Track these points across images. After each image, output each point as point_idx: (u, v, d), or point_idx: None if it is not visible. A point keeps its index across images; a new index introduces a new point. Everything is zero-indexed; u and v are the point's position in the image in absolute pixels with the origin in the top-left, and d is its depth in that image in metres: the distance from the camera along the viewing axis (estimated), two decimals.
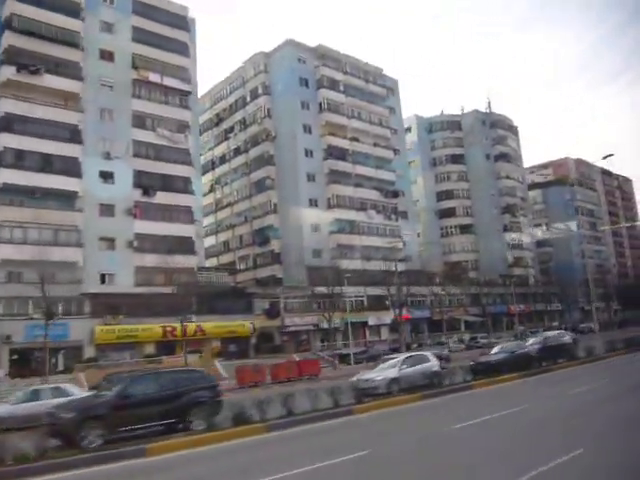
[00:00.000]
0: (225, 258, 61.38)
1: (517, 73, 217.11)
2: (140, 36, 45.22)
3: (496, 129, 79.68)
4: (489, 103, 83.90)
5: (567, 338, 30.71)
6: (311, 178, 55.27)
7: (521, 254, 77.70)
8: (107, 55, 43.82)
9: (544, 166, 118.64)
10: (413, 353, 24.23)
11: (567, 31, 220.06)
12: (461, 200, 76.92)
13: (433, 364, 20.15)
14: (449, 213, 76.40)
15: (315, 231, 54.05)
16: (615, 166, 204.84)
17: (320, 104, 57.74)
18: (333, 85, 58.95)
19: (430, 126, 79.24)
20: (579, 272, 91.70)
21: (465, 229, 76.31)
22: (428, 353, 22.59)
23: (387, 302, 56.70)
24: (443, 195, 76.94)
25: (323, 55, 59.18)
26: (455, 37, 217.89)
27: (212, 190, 64.31)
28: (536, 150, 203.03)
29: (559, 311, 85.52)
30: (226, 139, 63.63)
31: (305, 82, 57.45)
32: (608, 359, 25.94)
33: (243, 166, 60.45)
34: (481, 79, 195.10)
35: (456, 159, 77.79)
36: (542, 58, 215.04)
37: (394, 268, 52.08)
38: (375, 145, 61.94)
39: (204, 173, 62.09)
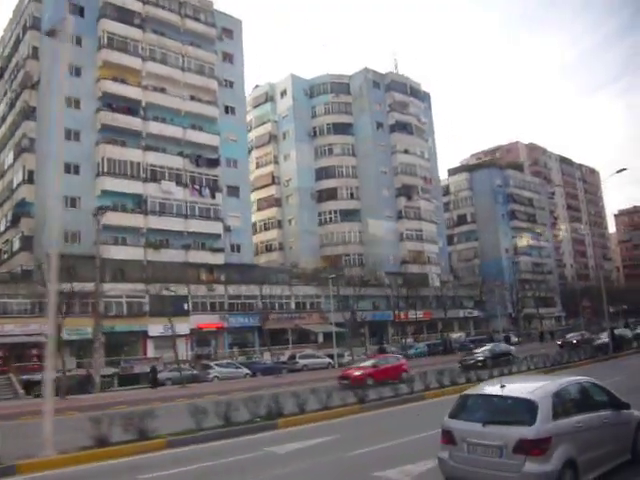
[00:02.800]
0: None
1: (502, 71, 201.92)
2: None
3: (392, 93, 64.44)
4: (395, 64, 68.84)
5: None
6: (74, 136, 40.38)
7: (419, 247, 62.30)
8: None
9: (492, 151, 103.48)
10: None
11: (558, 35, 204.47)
12: (345, 179, 61.79)
13: None
14: (329, 195, 61.26)
15: (73, 207, 39.16)
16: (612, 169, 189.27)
17: (100, 39, 43.02)
18: (124, 16, 44.17)
19: (311, 89, 64.24)
20: (510, 272, 76.51)
21: (349, 215, 61.17)
22: None
23: (186, 305, 42.01)
24: (323, 173, 61.85)
25: None
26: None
27: None
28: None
29: (481, 319, 70.29)
30: None
31: (80, 11, 42.64)
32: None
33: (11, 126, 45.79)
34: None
35: (341, 129, 62.71)
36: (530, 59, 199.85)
37: (214, 261, 38.25)
38: (193, 99, 47.14)
39: None
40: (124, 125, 42.28)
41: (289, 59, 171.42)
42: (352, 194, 61.52)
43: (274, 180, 62.50)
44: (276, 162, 63.11)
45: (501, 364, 25.27)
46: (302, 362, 38.30)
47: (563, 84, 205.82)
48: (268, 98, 64.67)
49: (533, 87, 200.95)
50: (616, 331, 38.94)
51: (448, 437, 6.83)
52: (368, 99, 62.73)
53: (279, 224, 61.83)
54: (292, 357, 39.73)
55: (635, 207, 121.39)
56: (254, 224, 64.25)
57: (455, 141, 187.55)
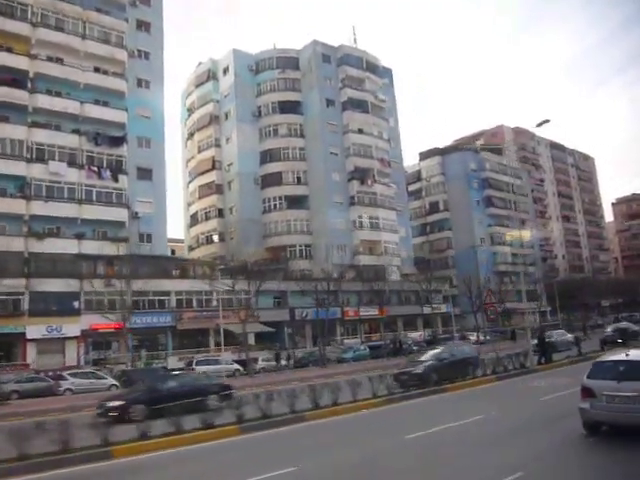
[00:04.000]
0: None
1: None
2: None
3: (345, 67, 58.50)
4: (354, 38, 62.76)
5: None
6: None
7: (375, 237, 56.41)
8: None
9: (475, 136, 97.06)
10: None
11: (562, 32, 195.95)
12: (291, 162, 56.10)
13: None
14: (274, 180, 55.63)
15: None
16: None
17: None
18: None
19: (257, 65, 58.57)
20: (487, 264, 70.41)
21: (295, 202, 55.54)
22: None
23: (77, 303, 36.85)
24: (267, 156, 56.23)
25: None
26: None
27: None
28: None
29: (456, 316, 64.33)
30: None
31: None
32: None
33: None
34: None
35: (288, 107, 57.00)
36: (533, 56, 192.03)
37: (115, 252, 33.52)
38: (98, 71, 41.79)
39: None
40: (6, 98, 37.00)
41: (239, 35, 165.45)
42: (299, 179, 55.85)
43: (215, 165, 57.12)
44: (217, 145, 57.67)
45: (454, 374, 18.54)
46: (199, 369, 32.72)
47: (564, 81, 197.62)
48: (210, 76, 59.24)
49: (532, 80, 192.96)
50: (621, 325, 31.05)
51: (588, 392, 9.14)
52: (317, 74, 56.94)
53: (220, 213, 56.45)
54: (189, 363, 34.21)
55: (634, 195, 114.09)
56: (195, 214, 59.15)
57: (445, 129, 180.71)
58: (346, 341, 48.94)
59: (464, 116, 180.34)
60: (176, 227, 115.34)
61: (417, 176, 74.42)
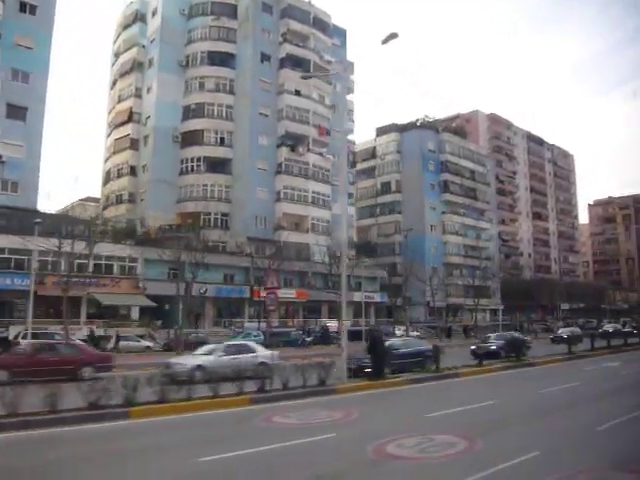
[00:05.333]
0: None
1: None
2: None
3: (288, 20, 52.18)
4: None
5: None
6: None
7: (302, 211, 50.74)
8: None
9: (450, 119, 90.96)
10: None
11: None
12: (216, 121, 50.06)
13: None
14: (195, 139, 49.64)
15: None
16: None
17: None
18: None
19: (190, 9, 52.13)
20: (436, 254, 65.28)
21: (217, 166, 49.72)
22: None
23: None
24: (190, 111, 50.15)
25: None
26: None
27: None
28: None
29: (396, 307, 59.30)
30: None
31: None
32: None
33: None
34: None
35: (219, 59, 50.82)
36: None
37: None
38: None
39: None
40: None
41: None
42: (222, 139, 49.86)
43: (132, 117, 50.99)
44: (138, 96, 51.52)
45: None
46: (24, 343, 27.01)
47: (572, 86, 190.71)
48: (138, 17, 52.84)
49: (529, 76, 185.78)
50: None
51: None
52: (254, 24, 50.66)
53: (132, 171, 50.48)
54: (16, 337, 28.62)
55: (611, 198, 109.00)
56: (109, 171, 53.11)
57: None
58: (247, 324, 43.50)
59: (453, 106, 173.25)
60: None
61: (372, 153, 68.56)
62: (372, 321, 54.88)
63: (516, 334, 28.29)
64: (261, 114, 49.76)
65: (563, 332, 37.91)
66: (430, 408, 11.58)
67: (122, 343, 32.29)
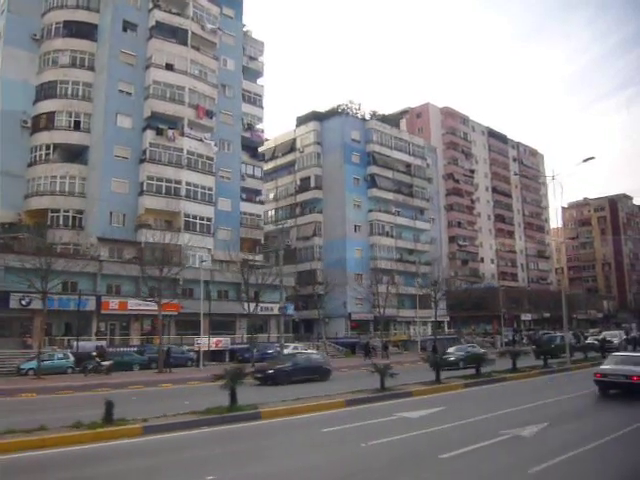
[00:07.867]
0: None
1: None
2: None
3: None
4: None
5: None
6: None
7: (173, 207, 42.60)
8: None
9: (400, 114, 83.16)
10: None
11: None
12: (70, 101, 42.34)
13: None
14: (45, 124, 41.92)
15: None
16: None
17: None
18: None
19: None
20: (363, 258, 57.28)
21: (71, 154, 41.97)
22: None
23: None
24: (43, 91, 42.52)
25: None
26: None
27: None
28: None
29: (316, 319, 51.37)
30: None
31: None
32: None
33: None
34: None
35: (77, 30, 43.21)
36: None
37: None
38: None
39: None
40: None
41: None
42: (77, 123, 42.08)
43: None
44: None
45: None
46: None
47: (564, 98, 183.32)
48: None
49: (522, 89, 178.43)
50: None
51: None
52: None
53: None
54: None
55: (586, 199, 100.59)
56: None
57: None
58: (82, 343, 35.13)
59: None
60: None
61: (291, 145, 60.65)
62: (273, 337, 46.59)
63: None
64: (122, 91, 41.97)
65: (453, 352, 29.04)
66: None
67: None
